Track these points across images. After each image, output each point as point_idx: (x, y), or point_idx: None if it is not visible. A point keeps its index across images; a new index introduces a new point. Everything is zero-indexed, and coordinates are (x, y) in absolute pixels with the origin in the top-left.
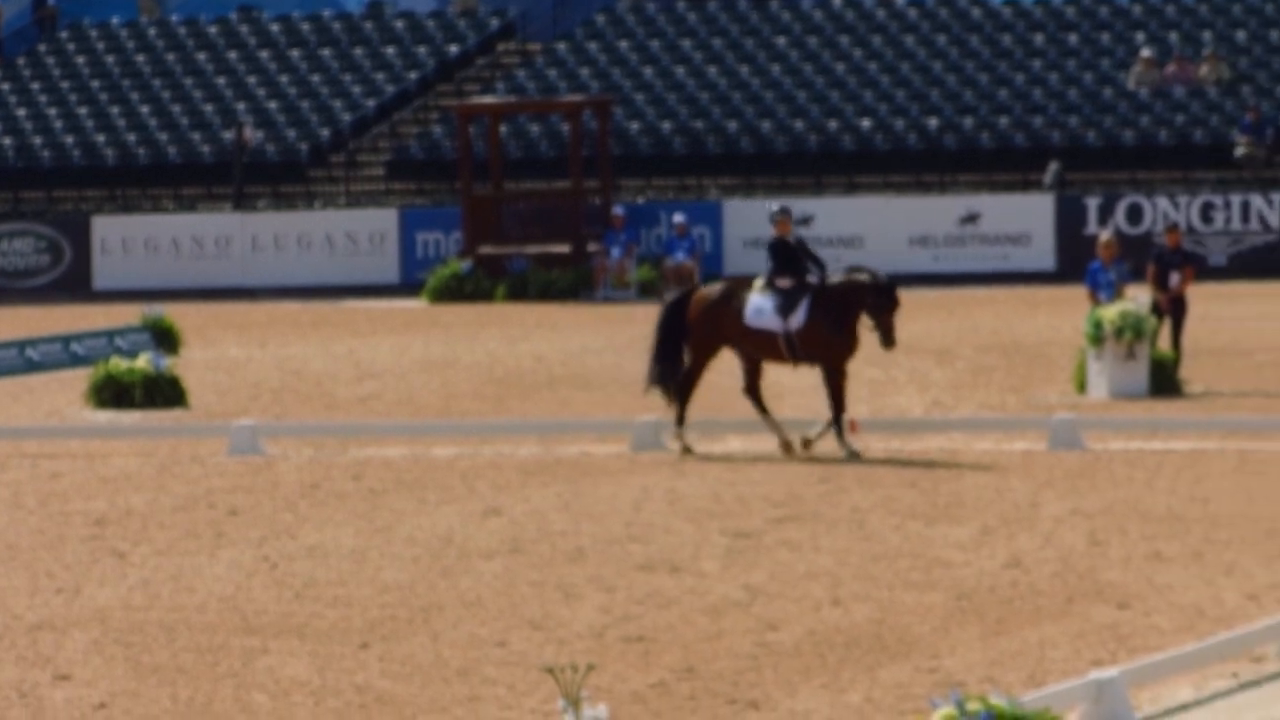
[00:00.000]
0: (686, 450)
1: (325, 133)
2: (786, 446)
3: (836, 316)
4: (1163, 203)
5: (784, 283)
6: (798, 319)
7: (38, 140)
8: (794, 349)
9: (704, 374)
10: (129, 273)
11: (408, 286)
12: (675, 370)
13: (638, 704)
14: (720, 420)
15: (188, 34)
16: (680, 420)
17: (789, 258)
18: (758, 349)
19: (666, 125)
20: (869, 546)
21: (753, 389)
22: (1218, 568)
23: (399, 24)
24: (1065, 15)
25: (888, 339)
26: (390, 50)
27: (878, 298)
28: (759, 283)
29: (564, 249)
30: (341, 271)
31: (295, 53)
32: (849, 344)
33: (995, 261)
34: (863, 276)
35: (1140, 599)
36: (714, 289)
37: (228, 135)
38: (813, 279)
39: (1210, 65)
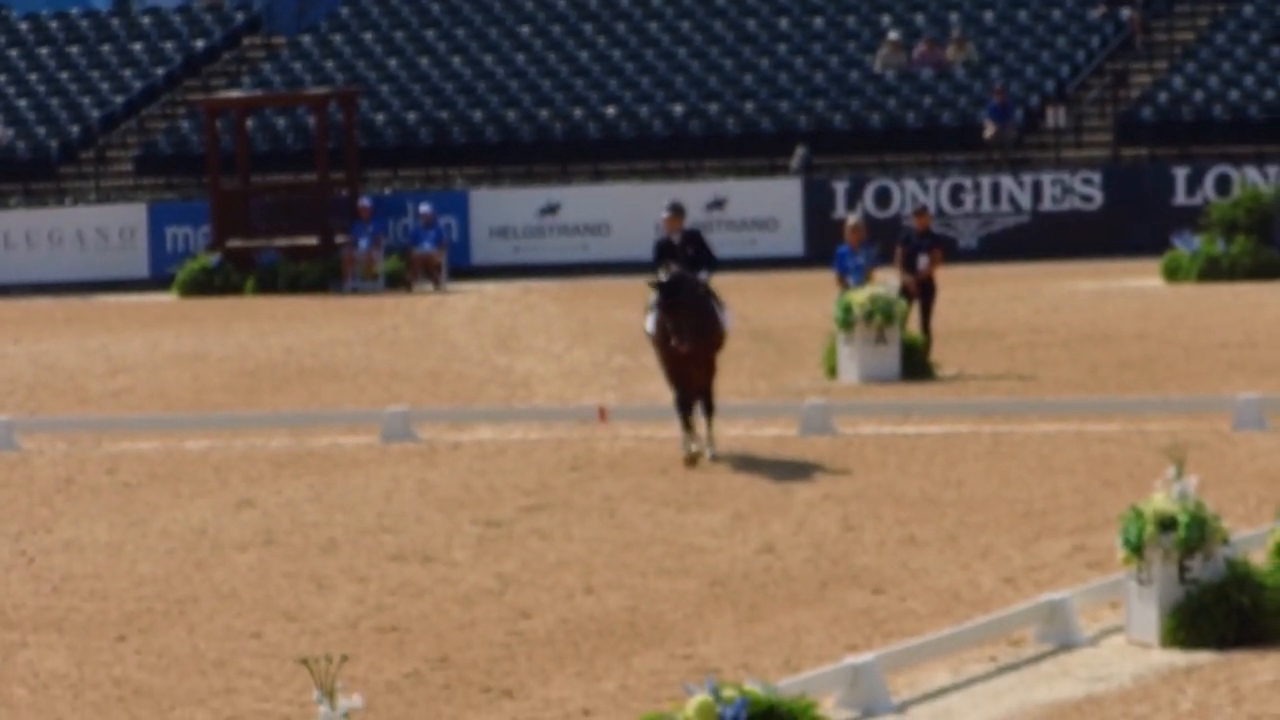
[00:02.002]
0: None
1: (75, 130)
2: (691, 460)
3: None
4: (911, 186)
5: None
6: (650, 324)
7: None
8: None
9: (688, 387)
10: None
11: (158, 281)
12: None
13: (392, 694)
14: (470, 409)
15: None
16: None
17: (666, 259)
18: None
19: (412, 116)
20: (621, 534)
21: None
22: (973, 551)
23: (146, 20)
24: None
25: (676, 337)
26: (137, 46)
27: (662, 295)
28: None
29: (312, 241)
30: (93, 267)
31: (44, 50)
32: (683, 338)
33: (743, 247)
34: (661, 275)
35: (895, 584)
36: None
37: None
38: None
39: (957, 47)
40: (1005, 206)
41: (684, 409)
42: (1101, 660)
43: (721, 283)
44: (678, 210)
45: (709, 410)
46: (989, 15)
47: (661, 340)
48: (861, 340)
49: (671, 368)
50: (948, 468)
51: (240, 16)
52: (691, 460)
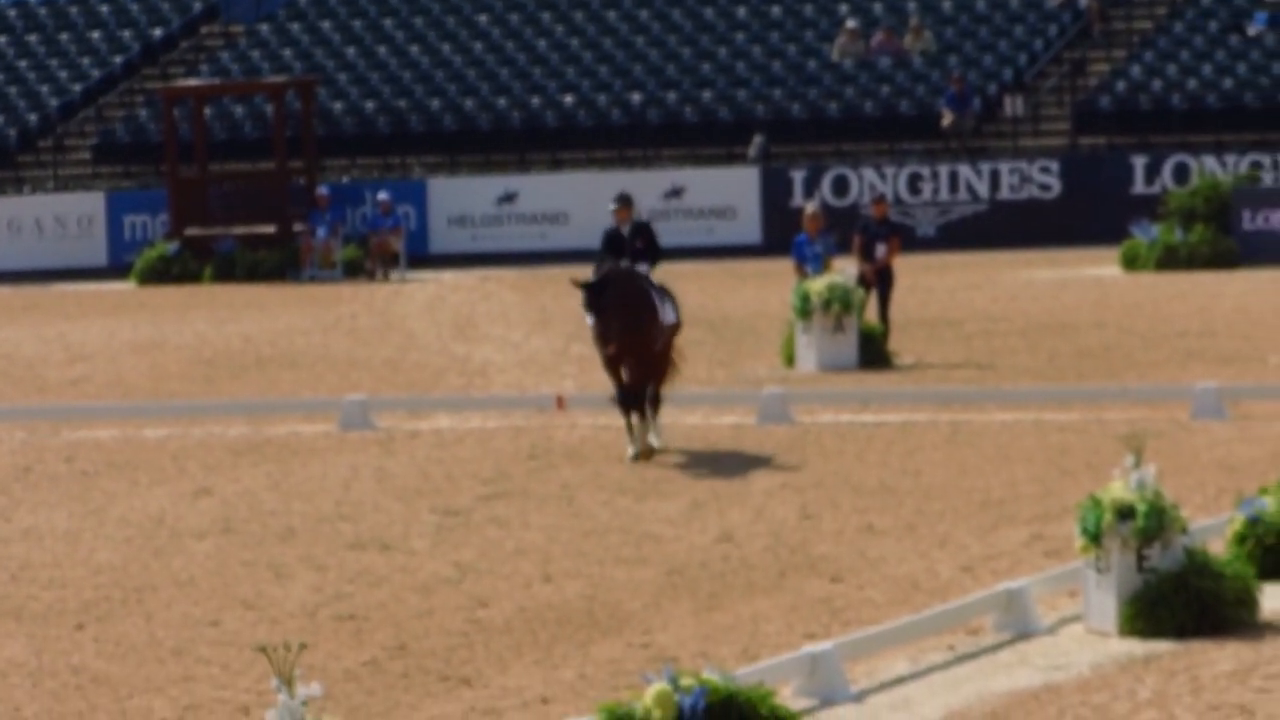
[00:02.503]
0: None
1: (33, 118)
2: (646, 453)
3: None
4: (869, 174)
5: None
6: (589, 318)
7: None
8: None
9: (626, 376)
10: None
11: (116, 269)
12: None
13: (351, 682)
14: (428, 398)
15: None
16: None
17: (613, 250)
18: None
19: (370, 105)
20: (579, 522)
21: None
22: (931, 540)
23: (104, 9)
24: None
25: (603, 340)
26: (95, 35)
27: (587, 297)
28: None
29: (270, 229)
30: (51, 255)
31: (2, 39)
32: (609, 340)
33: (701, 235)
34: (589, 277)
35: (853, 572)
36: None
37: None
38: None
39: (915, 36)
40: (963, 195)
41: (624, 409)
42: (1060, 649)
43: (679, 271)
44: (625, 201)
45: (653, 407)
46: (947, 4)
47: (598, 335)
48: (819, 329)
49: (608, 365)
50: (906, 456)
51: (198, 5)
52: (640, 456)
